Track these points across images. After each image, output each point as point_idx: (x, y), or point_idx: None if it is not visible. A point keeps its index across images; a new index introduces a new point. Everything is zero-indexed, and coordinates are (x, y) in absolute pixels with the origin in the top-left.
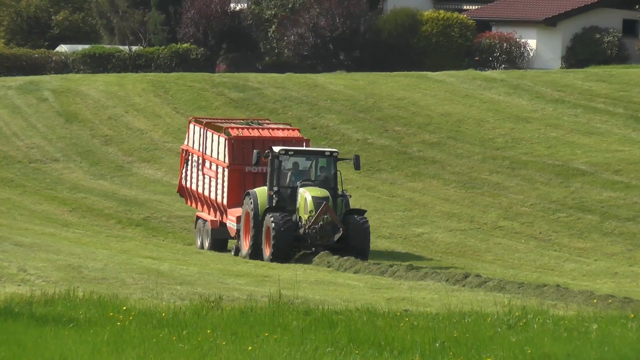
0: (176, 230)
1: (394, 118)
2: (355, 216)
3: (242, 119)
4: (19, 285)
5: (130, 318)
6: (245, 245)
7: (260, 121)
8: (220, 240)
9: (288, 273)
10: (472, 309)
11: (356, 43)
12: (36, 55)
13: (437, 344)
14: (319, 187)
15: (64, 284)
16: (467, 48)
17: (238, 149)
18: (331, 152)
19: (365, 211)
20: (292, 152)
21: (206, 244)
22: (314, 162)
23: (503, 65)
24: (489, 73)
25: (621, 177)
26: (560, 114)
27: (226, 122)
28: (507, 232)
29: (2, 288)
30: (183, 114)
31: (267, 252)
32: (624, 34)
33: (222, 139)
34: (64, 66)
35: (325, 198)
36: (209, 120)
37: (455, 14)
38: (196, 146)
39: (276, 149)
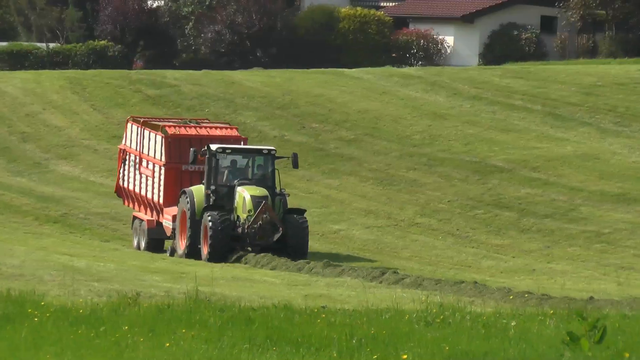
0: (93, 227)
1: (311, 115)
2: (295, 215)
3: (180, 119)
4: None
5: (48, 315)
6: (182, 245)
7: (198, 121)
8: (156, 240)
9: (205, 270)
10: (389, 305)
11: (273, 40)
12: None
13: (354, 341)
14: (257, 185)
15: None
16: (385, 45)
17: (175, 147)
18: (269, 150)
19: (304, 211)
20: (230, 150)
21: (142, 244)
22: (251, 160)
23: (420, 62)
24: (406, 70)
25: (539, 174)
26: (478, 111)
27: (164, 121)
28: (425, 229)
29: None
30: (100, 111)
31: (204, 251)
32: (542, 31)
33: (159, 137)
34: None
35: (265, 197)
36: (147, 119)
37: (373, 11)
38: (133, 145)
39: (213, 146)
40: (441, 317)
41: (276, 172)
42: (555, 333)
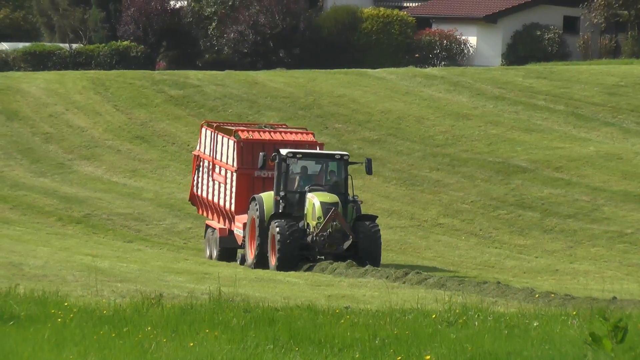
0: (116, 228)
1: (334, 115)
2: (366, 222)
3: (255, 124)
4: None
5: (71, 315)
6: (251, 254)
7: (274, 125)
8: (228, 249)
9: (228, 270)
10: (412, 306)
11: (296, 40)
12: None
13: (377, 341)
14: (328, 192)
15: (4, 282)
16: (407, 45)
17: (247, 152)
18: (342, 156)
19: (376, 217)
20: (300, 155)
21: (214, 254)
22: (323, 166)
23: (443, 63)
24: (429, 70)
25: (562, 174)
26: (501, 111)
27: (237, 126)
28: (448, 229)
29: None
30: (123, 112)
31: (272, 261)
32: (564, 31)
33: (231, 142)
34: (4, 64)
35: (335, 204)
36: (220, 124)
37: (396, 11)
38: (207, 151)
39: (283, 151)
40: (464, 317)
41: (349, 178)
42: (578, 333)
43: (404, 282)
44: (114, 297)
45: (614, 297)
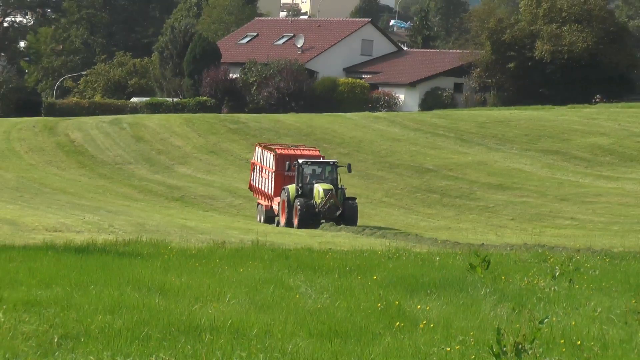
0: (199, 203)
1: (323, 139)
2: (350, 201)
3: (286, 145)
4: (109, 234)
5: (173, 253)
6: (282, 220)
7: (298, 145)
8: (270, 217)
9: (262, 228)
10: (367, 248)
11: (301, 96)
12: (119, 103)
13: (347, 268)
14: (326, 183)
15: (134, 234)
16: (365, 99)
17: (281, 161)
18: (334, 162)
19: (355, 198)
20: (309, 162)
21: (262, 219)
22: (324, 168)
23: (385, 109)
24: (377, 114)
25: (452, 173)
26: (418, 137)
27: (275, 146)
28: (387, 205)
29: (99, 236)
30: (203, 137)
31: (295, 222)
32: (454, 91)
33: (271, 155)
34: (135, 110)
35: (331, 190)
36: (266, 144)
37: (358, 80)
38: (258, 160)
39: (300, 160)
40: (397, 254)
41: (338, 175)
42: (462, 264)
43: (363, 235)
44: (198, 243)
45: (483, 243)
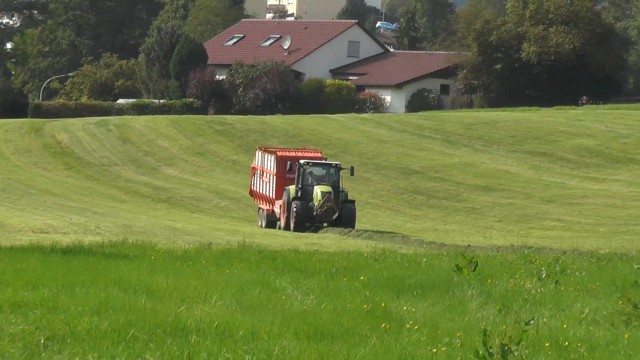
0: (185, 205)
1: (310, 141)
2: (349, 204)
3: (286, 148)
4: (96, 236)
5: (159, 255)
6: (282, 222)
7: (300, 149)
8: (271, 221)
9: (249, 229)
10: (354, 249)
11: (287, 98)
12: (105, 105)
13: (334, 270)
14: (327, 185)
15: (121, 235)
16: (351, 101)
17: (281, 163)
18: (336, 164)
19: (354, 201)
20: (311, 163)
21: (264, 224)
22: (327, 170)
23: (371, 111)
24: (363, 115)
25: (439, 174)
26: (404, 139)
27: (275, 148)
28: (374, 206)
29: (86, 237)
30: (189, 139)
31: (291, 225)
32: (441, 92)
33: (272, 157)
34: (122, 111)
35: (329, 192)
36: (266, 147)
37: (344, 82)
38: (258, 163)
39: (302, 161)
40: (383, 256)
41: (341, 177)
42: (449, 265)
43: (349, 236)
44: (184, 244)
45: (469, 245)
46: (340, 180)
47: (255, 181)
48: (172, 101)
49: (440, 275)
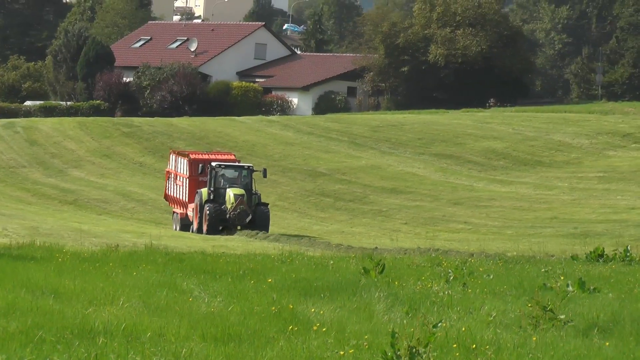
0: (92, 207)
1: (217, 143)
2: (262, 207)
3: (200, 151)
4: (3, 238)
5: (67, 257)
6: (195, 225)
7: (213, 151)
8: (186, 225)
9: (156, 231)
10: (261, 252)
11: (194, 100)
12: (12, 107)
13: (241, 272)
14: (239, 188)
15: (28, 237)
16: (258, 103)
17: (194, 166)
18: (248, 166)
19: (268, 204)
20: (223, 166)
21: (178, 227)
22: (239, 172)
23: (278, 113)
24: (270, 117)
25: (345, 177)
26: (311, 141)
27: (189, 152)
28: (281, 208)
29: None
30: (96, 141)
31: (204, 229)
32: (348, 95)
33: (185, 160)
34: (29, 113)
35: (242, 195)
36: (180, 151)
37: (251, 84)
38: (172, 167)
39: (213, 164)
40: (290, 258)
41: (253, 179)
42: (356, 268)
43: (256, 238)
44: (91, 246)
45: (376, 247)
46: (253, 182)
47: (169, 185)
48: (79, 103)
49: (347, 277)
